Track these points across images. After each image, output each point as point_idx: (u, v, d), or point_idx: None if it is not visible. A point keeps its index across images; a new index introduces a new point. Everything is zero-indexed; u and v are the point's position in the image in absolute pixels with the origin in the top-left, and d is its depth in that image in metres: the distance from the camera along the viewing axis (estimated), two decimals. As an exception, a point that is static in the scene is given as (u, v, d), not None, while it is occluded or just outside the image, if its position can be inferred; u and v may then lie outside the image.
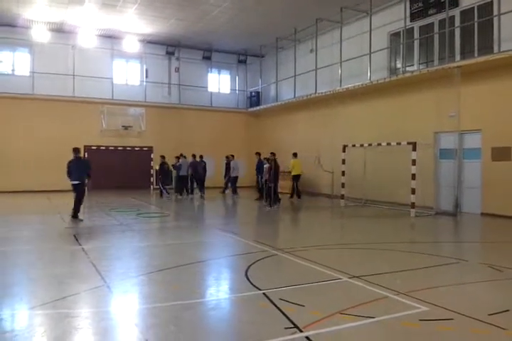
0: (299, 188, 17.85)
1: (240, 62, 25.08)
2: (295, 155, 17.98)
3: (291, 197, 17.96)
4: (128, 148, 22.02)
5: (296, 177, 17.73)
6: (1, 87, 19.71)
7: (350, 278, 5.97)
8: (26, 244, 8.58)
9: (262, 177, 16.55)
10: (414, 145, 12.81)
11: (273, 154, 15.28)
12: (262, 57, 24.05)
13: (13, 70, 20.78)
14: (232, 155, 20.01)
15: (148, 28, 20.56)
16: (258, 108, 24.06)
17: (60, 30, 20.48)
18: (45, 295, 5.28)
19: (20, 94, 19.94)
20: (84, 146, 21.22)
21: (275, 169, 15.06)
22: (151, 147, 22.64)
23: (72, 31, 20.56)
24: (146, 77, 22.87)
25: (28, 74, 20.67)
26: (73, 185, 11.30)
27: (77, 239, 8.91)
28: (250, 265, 6.70)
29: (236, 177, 19.32)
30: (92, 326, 4.38)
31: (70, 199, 15.13)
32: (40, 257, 7.53)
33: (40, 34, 19.93)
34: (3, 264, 6.97)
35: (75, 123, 20.75)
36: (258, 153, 18.14)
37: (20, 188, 19.40)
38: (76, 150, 11.60)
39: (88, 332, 4.23)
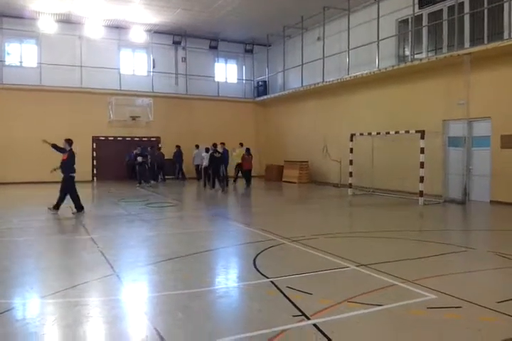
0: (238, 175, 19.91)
1: (246, 51, 24.92)
2: (241, 144, 19.97)
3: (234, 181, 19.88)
4: (136, 139, 22.07)
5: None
6: (9, 79, 19.79)
7: (357, 266, 5.98)
8: (36, 234, 8.68)
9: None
10: (422, 134, 12.71)
11: (214, 145, 17.42)
12: (269, 46, 23.87)
13: (20, 62, 20.82)
14: (197, 145, 21.47)
15: (155, 17, 20.46)
16: (265, 97, 23.97)
17: (66, 21, 20.44)
18: (56, 284, 5.35)
19: (28, 85, 20.00)
20: (93, 137, 21.38)
21: (210, 157, 17.24)
22: (159, 137, 22.68)
23: (79, 22, 20.53)
24: (153, 67, 22.82)
25: (35, 65, 20.71)
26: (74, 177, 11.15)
27: (86, 229, 8.99)
28: (258, 253, 6.74)
29: (197, 166, 21.20)
30: (101, 314, 4.44)
31: (79, 189, 15.18)
32: (50, 247, 7.63)
33: (47, 25, 19.89)
34: (14, 254, 7.07)
35: (83, 114, 20.78)
36: (222, 143, 18.64)
37: (28, 179, 19.53)
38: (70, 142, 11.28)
39: (98, 320, 4.29)
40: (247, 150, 19.22)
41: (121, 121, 21.52)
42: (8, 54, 20.64)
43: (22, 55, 20.86)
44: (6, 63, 20.44)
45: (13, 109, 19.86)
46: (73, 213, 10.94)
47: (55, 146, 11.04)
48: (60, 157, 11.13)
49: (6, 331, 4.03)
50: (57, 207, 10.90)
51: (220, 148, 17.78)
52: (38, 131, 20.07)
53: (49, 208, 10.92)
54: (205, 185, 18.15)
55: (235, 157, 19.16)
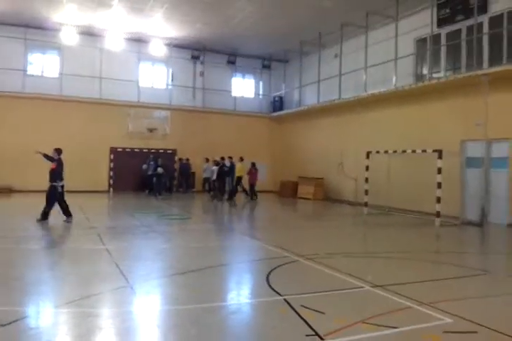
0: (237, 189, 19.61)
1: (264, 66, 25.10)
2: (241, 159, 19.48)
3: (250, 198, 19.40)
4: (152, 150, 22.27)
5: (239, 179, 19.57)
6: (30, 88, 20.16)
7: (372, 287, 5.91)
8: (52, 243, 8.76)
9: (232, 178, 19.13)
10: (440, 153, 12.62)
11: (222, 159, 18.95)
12: (286, 62, 24.08)
13: (42, 72, 21.25)
14: (207, 159, 21.47)
15: (175, 31, 20.80)
16: (281, 113, 24.08)
17: (88, 33, 20.86)
18: (70, 293, 5.38)
19: (48, 94, 20.37)
20: (110, 148, 21.63)
21: (219, 171, 18.51)
22: (175, 149, 22.87)
23: (100, 34, 20.95)
24: (172, 80, 23.12)
25: (56, 75, 21.12)
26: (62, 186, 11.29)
27: (101, 239, 9.04)
28: (271, 270, 6.69)
29: (205, 179, 21.53)
30: (114, 326, 4.45)
31: (95, 200, 15.41)
32: (65, 256, 7.69)
33: (69, 37, 20.31)
34: (30, 262, 7.13)
35: (101, 125, 21.06)
36: (230, 157, 19.47)
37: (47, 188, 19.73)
38: (58, 151, 11.49)
39: (111, 332, 4.30)
40: (253, 164, 19.47)
41: (138, 132, 21.74)
42: (30, 63, 21.08)
43: (44, 65, 21.28)
44: (29, 73, 20.86)
45: (33, 118, 20.18)
46: (65, 221, 11.05)
47: (45, 156, 11.24)
48: (48, 165, 11.28)
49: (19, 339, 4.06)
50: (45, 216, 11.02)
51: (227, 162, 18.63)
52: (57, 140, 20.36)
53: (37, 219, 10.96)
54: (215, 199, 18.32)
55: (237, 171, 19.37)
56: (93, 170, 20.87)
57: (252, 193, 19.17)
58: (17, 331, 4.21)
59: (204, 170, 21.68)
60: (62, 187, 11.29)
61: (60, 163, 11.24)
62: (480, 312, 5.07)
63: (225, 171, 18.21)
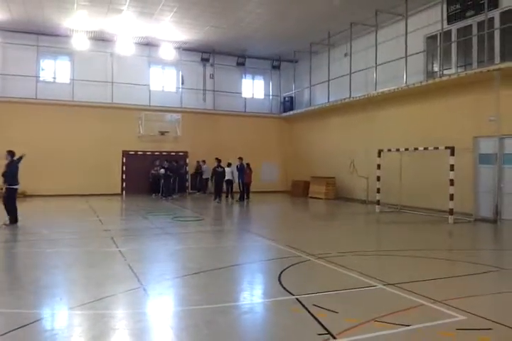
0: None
1: (273, 67, 25.14)
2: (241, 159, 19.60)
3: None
4: (164, 153, 22.40)
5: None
6: (43, 94, 20.40)
7: (385, 285, 5.88)
8: (66, 246, 8.85)
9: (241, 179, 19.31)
10: (452, 150, 12.52)
11: (218, 160, 18.69)
12: (296, 62, 24.07)
13: (54, 78, 21.50)
14: (204, 161, 22.00)
15: (184, 35, 20.91)
16: (291, 113, 24.06)
17: (99, 38, 21.09)
18: (84, 295, 5.44)
19: (61, 100, 20.58)
20: (123, 151, 21.80)
21: (213, 171, 19.08)
22: (186, 152, 22.97)
23: (111, 39, 21.15)
24: (182, 83, 23.24)
25: (68, 81, 21.35)
26: (16, 189, 11.21)
27: (114, 242, 9.12)
28: (283, 270, 6.70)
29: (206, 179, 21.86)
30: (128, 327, 4.49)
31: (108, 202, 15.30)
32: (79, 259, 7.77)
33: (80, 42, 20.54)
34: (44, 265, 7.22)
35: (113, 129, 21.26)
36: (240, 158, 19.50)
37: (60, 192, 19.99)
38: (12, 153, 11.35)
39: (124, 333, 4.34)
40: (247, 164, 19.50)
41: (150, 135, 21.89)
42: (42, 69, 21.32)
43: (56, 71, 21.54)
44: (41, 79, 21.12)
45: (46, 123, 20.41)
46: (5, 224, 10.93)
47: (3, 175, 11.15)
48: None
49: (35, 341, 4.12)
50: (14, 220, 11.07)
51: (236, 163, 19.05)
52: (71, 145, 20.71)
53: (5, 224, 10.93)
54: (219, 199, 18.53)
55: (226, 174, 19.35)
56: (106, 174, 21.08)
57: (246, 193, 19.17)
58: (33, 333, 4.28)
59: (203, 171, 21.96)
60: (14, 190, 11.24)
61: (13, 166, 11.17)
62: (494, 309, 5.04)
63: (219, 172, 18.50)
